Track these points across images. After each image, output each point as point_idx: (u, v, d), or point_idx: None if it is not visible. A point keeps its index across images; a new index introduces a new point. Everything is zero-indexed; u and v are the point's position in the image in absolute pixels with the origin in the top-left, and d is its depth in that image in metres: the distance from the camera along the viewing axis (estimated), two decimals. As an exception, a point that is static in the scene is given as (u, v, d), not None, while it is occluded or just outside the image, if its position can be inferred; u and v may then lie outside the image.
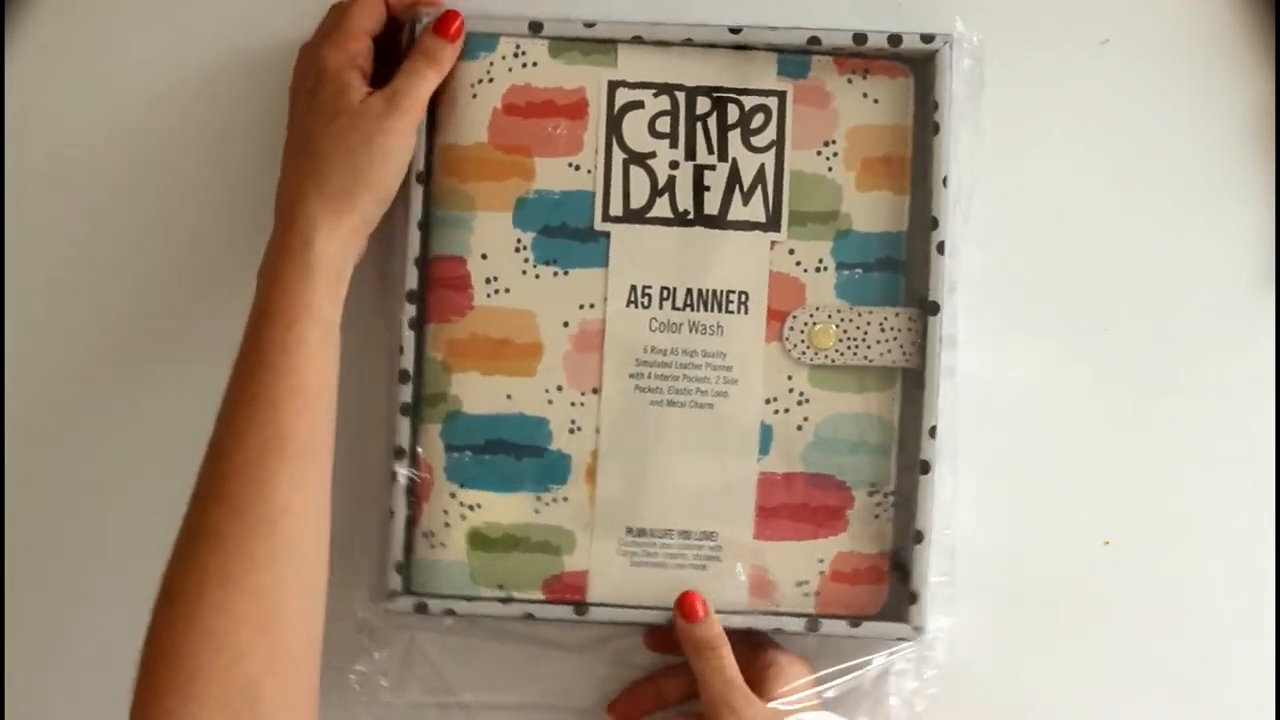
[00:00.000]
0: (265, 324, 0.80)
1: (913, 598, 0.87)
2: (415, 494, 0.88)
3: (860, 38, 0.87)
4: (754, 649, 0.88)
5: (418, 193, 0.87)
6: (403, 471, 0.88)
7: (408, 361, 0.88)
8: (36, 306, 0.93)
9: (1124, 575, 0.92)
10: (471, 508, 0.88)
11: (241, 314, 0.82)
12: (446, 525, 0.88)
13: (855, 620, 0.87)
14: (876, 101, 0.88)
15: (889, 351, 0.88)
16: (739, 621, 0.87)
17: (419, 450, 0.88)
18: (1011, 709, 0.93)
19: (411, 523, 0.88)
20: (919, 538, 0.87)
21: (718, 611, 0.87)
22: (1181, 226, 0.93)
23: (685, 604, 0.86)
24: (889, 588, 0.89)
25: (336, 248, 0.82)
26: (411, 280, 0.88)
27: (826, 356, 0.88)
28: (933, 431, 0.87)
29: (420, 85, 0.85)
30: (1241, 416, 0.93)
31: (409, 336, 0.88)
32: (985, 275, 0.91)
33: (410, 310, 0.88)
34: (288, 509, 0.76)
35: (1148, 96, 0.93)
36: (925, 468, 0.86)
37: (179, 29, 0.93)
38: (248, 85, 0.92)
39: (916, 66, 0.88)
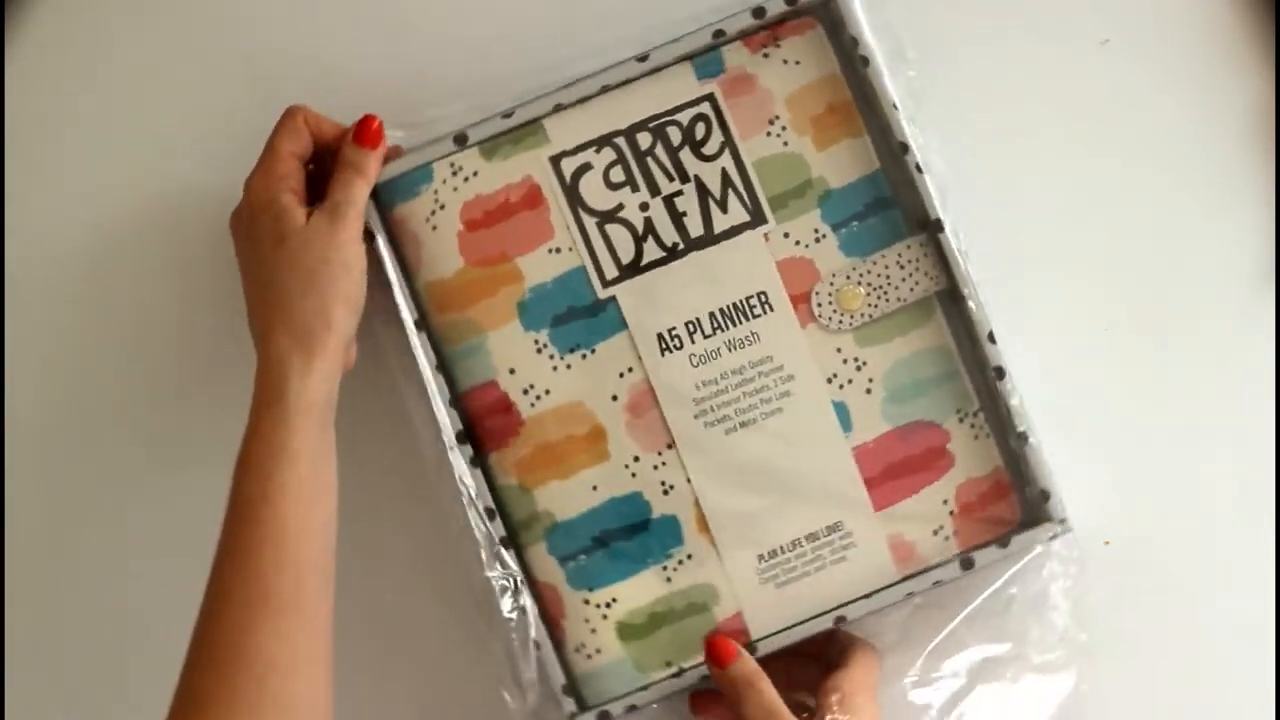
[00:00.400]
0: (243, 475, 0.79)
1: (1045, 495, 0.87)
2: (549, 616, 0.87)
3: (759, 11, 0.87)
4: (819, 668, 0.87)
5: (422, 340, 0.86)
6: (527, 600, 0.86)
7: (485, 498, 0.86)
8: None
9: (1124, 575, 0.91)
10: (608, 604, 0.87)
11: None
12: (593, 631, 0.87)
13: (1003, 540, 0.87)
14: (799, 63, 0.88)
15: (917, 284, 0.88)
16: (896, 594, 0.86)
17: (535, 575, 0.87)
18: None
19: (558, 644, 0.87)
20: (1023, 439, 0.87)
21: (874, 593, 0.87)
22: (1181, 226, 0.94)
23: (717, 648, 0.85)
24: (1017, 498, 0.88)
25: (314, 382, 0.81)
26: (455, 423, 0.86)
27: (863, 315, 0.88)
28: (991, 337, 0.87)
29: (355, 192, 0.85)
30: (1241, 416, 0.93)
31: (476, 474, 0.86)
32: (985, 277, 0.90)
33: (467, 452, 0.86)
34: (274, 666, 0.75)
35: (1148, 96, 0.93)
36: (1000, 373, 0.87)
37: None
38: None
39: (820, 14, 0.89)
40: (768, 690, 0.83)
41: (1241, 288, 0.93)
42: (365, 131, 0.86)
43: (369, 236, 0.86)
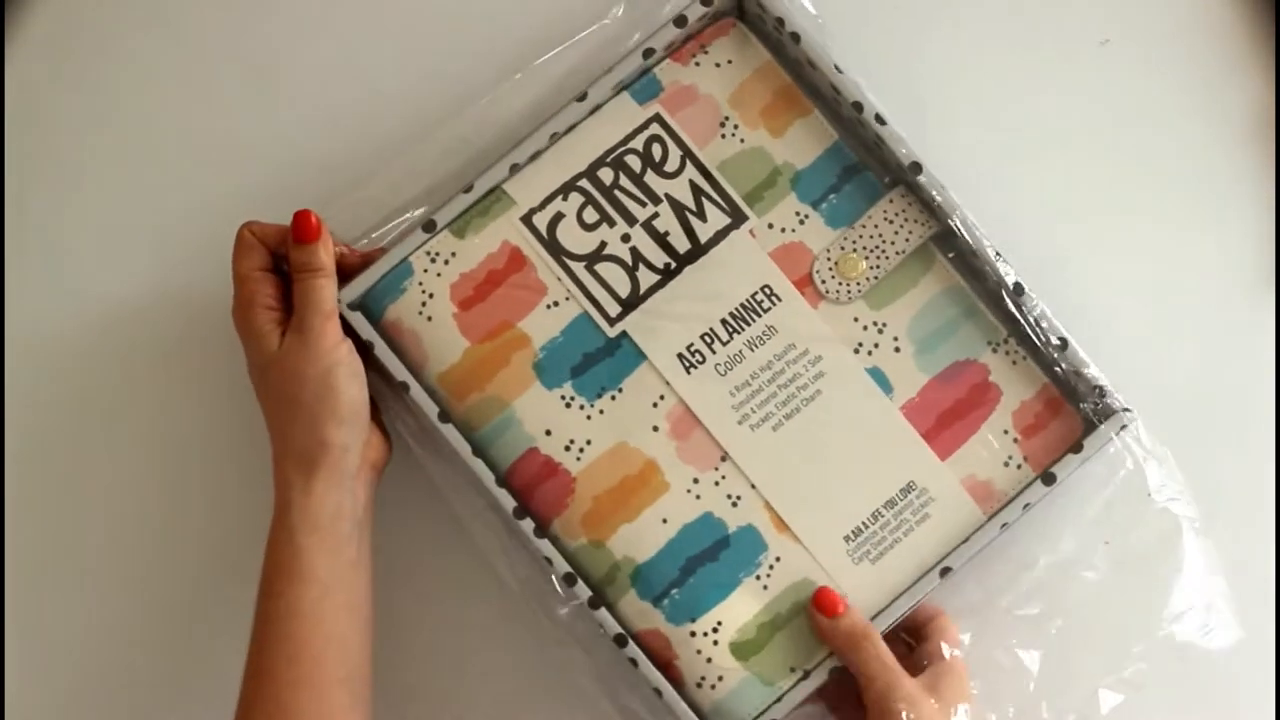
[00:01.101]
0: (260, 597, 0.80)
1: (1100, 391, 0.86)
2: (661, 661, 0.85)
3: (680, 20, 0.88)
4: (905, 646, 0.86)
5: (450, 433, 0.85)
6: (638, 654, 0.84)
7: (563, 565, 0.84)
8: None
9: (1123, 575, 0.91)
10: (715, 629, 0.85)
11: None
12: (709, 661, 0.85)
13: (1076, 446, 0.86)
14: (730, 62, 0.89)
15: (910, 234, 0.88)
16: (990, 531, 0.85)
17: (634, 625, 0.85)
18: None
19: (678, 685, 0.85)
20: (1063, 345, 0.86)
21: (964, 541, 0.85)
22: (1181, 226, 0.94)
23: (823, 600, 0.84)
24: (1073, 406, 0.88)
25: (315, 501, 0.80)
26: (507, 502, 0.85)
27: (868, 279, 0.87)
28: (999, 255, 0.86)
29: (316, 295, 0.83)
30: (1241, 415, 0.94)
31: (544, 545, 0.84)
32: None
33: (528, 526, 0.84)
34: None
35: (1148, 96, 0.94)
36: (1018, 289, 0.86)
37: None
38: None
39: (737, 14, 0.89)
40: (880, 642, 0.82)
41: (1241, 288, 0.94)
42: (302, 228, 0.84)
43: (366, 347, 0.85)
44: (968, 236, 0.86)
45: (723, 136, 0.88)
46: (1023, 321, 0.87)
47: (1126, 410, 0.86)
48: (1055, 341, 0.86)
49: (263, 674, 0.78)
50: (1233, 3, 0.94)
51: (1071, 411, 0.88)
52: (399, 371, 0.85)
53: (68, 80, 0.95)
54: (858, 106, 0.87)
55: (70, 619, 0.93)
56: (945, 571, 0.85)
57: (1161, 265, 0.94)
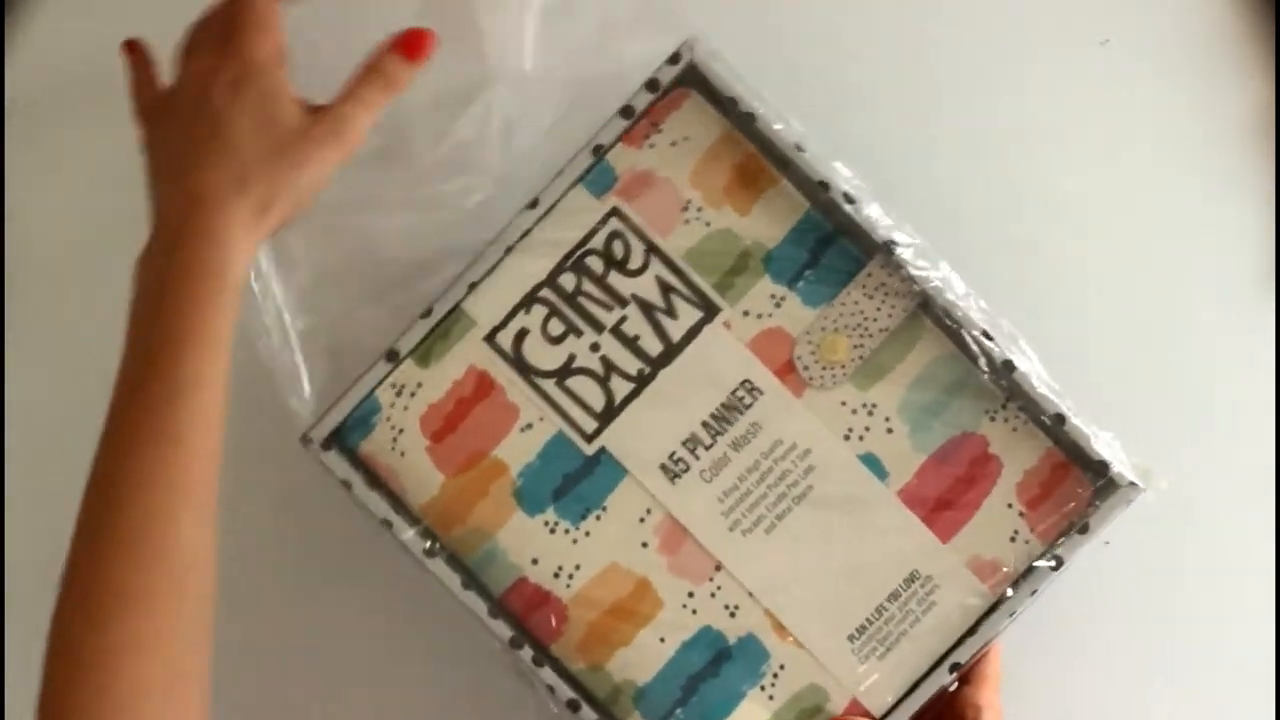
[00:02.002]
0: (174, 351, 0.72)
1: (1103, 465, 0.82)
2: (671, 779, 0.84)
3: (627, 110, 0.83)
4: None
5: (438, 566, 0.83)
6: None
7: (565, 692, 0.83)
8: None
9: (1123, 575, 0.90)
10: (724, 745, 0.84)
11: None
12: (718, 775, 0.84)
13: (1083, 525, 0.83)
14: (687, 138, 0.84)
15: (894, 307, 0.83)
16: (998, 621, 0.82)
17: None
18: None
19: (693, 803, 0.84)
20: (1060, 420, 0.82)
21: (976, 625, 0.82)
22: (1181, 226, 0.93)
23: None
24: (1080, 470, 0.84)
25: (248, 268, 0.75)
26: (503, 632, 0.83)
27: (853, 360, 0.83)
28: (988, 334, 0.82)
29: (369, 116, 0.78)
30: (1241, 416, 0.93)
31: (544, 673, 0.83)
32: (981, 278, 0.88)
33: (526, 654, 0.83)
34: (195, 563, 0.70)
35: (1148, 97, 0.93)
36: (1010, 367, 0.82)
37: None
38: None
39: (689, 82, 0.84)
40: None
41: (1241, 288, 0.93)
42: (415, 44, 0.78)
43: (345, 486, 0.83)
44: (962, 308, 0.82)
45: (686, 222, 0.84)
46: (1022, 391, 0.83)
47: (1133, 484, 0.82)
48: (1054, 415, 0.82)
49: (165, 438, 0.71)
50: (1233, 3, 0.92)
51: (1079, 476, 0.84)
52: (380, 509, 0.83)
53: (68, 80, 0.94)
54: (823, 185, 0.82)
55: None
56: (955, 667, 0.82)
57: (1161, 265, 0.93)
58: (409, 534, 0.83)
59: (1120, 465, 0.82)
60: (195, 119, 0.76)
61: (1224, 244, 0.93)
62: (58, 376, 0.94)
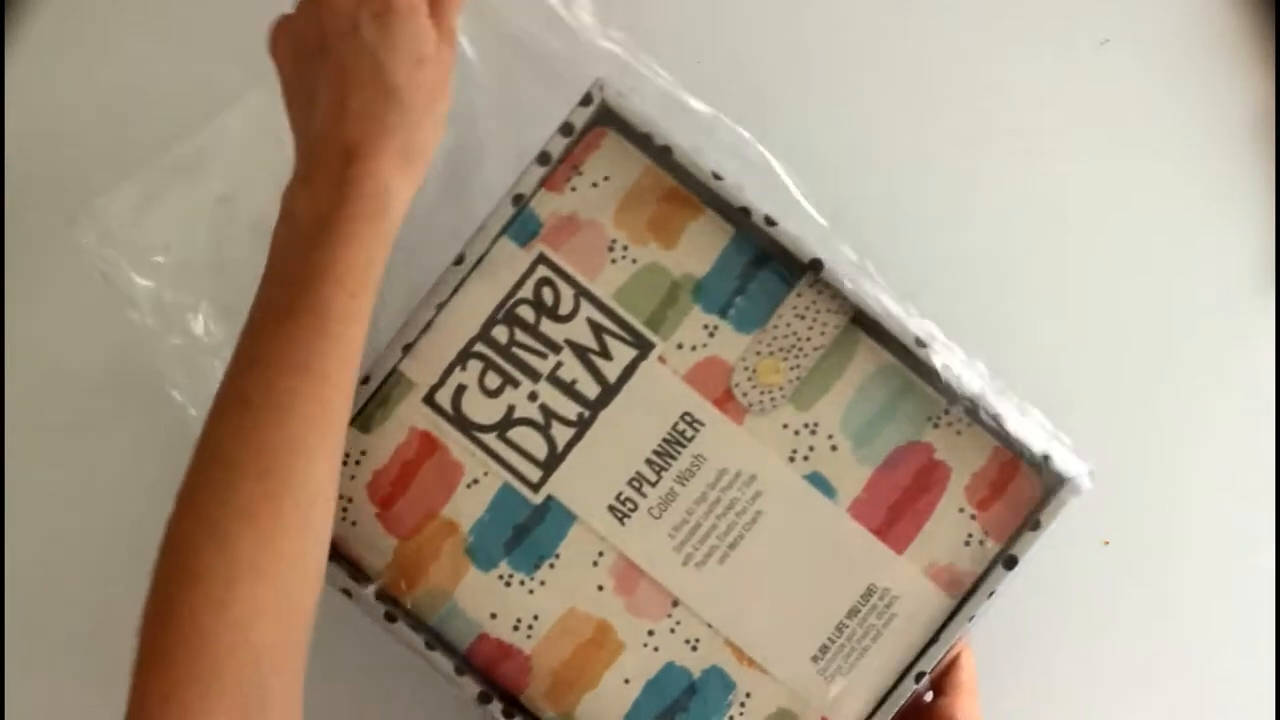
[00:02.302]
0: (330, 286, 0.73)
1: (1045, 458, 0.83)
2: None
3: (544, 157, 0.83)
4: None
5: (402, 630, 0.83)
6: None
7: (536, 745, 0.84)
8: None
9: (1124, 575, 0.91)
10: (699, 780, 0.84)
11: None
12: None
13: (1034, 522, 0.83)
14: (608, 178, 0.84)
15: (825, 325, 0.84)
16: (958, 626, 0.83)
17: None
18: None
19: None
20: (998, 420, 0.83)
21: (937, 634, 0.83)
22: (1182, 226, 0.94)
23: None
24: (1026, 468, 0.84)
25: (403, 213, 0.76)
26: (470, 689, 0.83)
27: (790, 381, 0.84)
28: (919, 342, 0.82)
29: (457, 19, 0.80)
30: (1241, 416, 0.93)
31: (517, 726, 0.84)
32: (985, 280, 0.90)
33: (496, 708, 0.83)
34: (322, 496, 0.71)
35: (1148, 97, 0.94)
36: (921, 343, 0.83)
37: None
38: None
39: (604, 120, 0.84)
40: None
41: (1241, 288, 0.93)
42: None
43: None
44: (891, 317, 0.82)
45: (613, 261, 0.84)
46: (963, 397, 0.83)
47: (1078, 476, 0.82)
48: (993, 414, 0.83)
49: (311, 371, 0.72)
50: (1233, 3, 0.93)
51: (1027, 470, 0.84)
52: (339, 580, 0.83)
53: (69, 81, 0.95)
54: (744, 211, 0.82)
55: (71, 618, 0.94)
56: (920, 676, 0.83)
57: (1160, 266, 0.94)
58: (370, 601, 0.83)
59: (1062, 456, 0.82)
60: (349, 54, 0.76)
61: (1224, 244, 0.94)
62: (58, 376, 0.95)
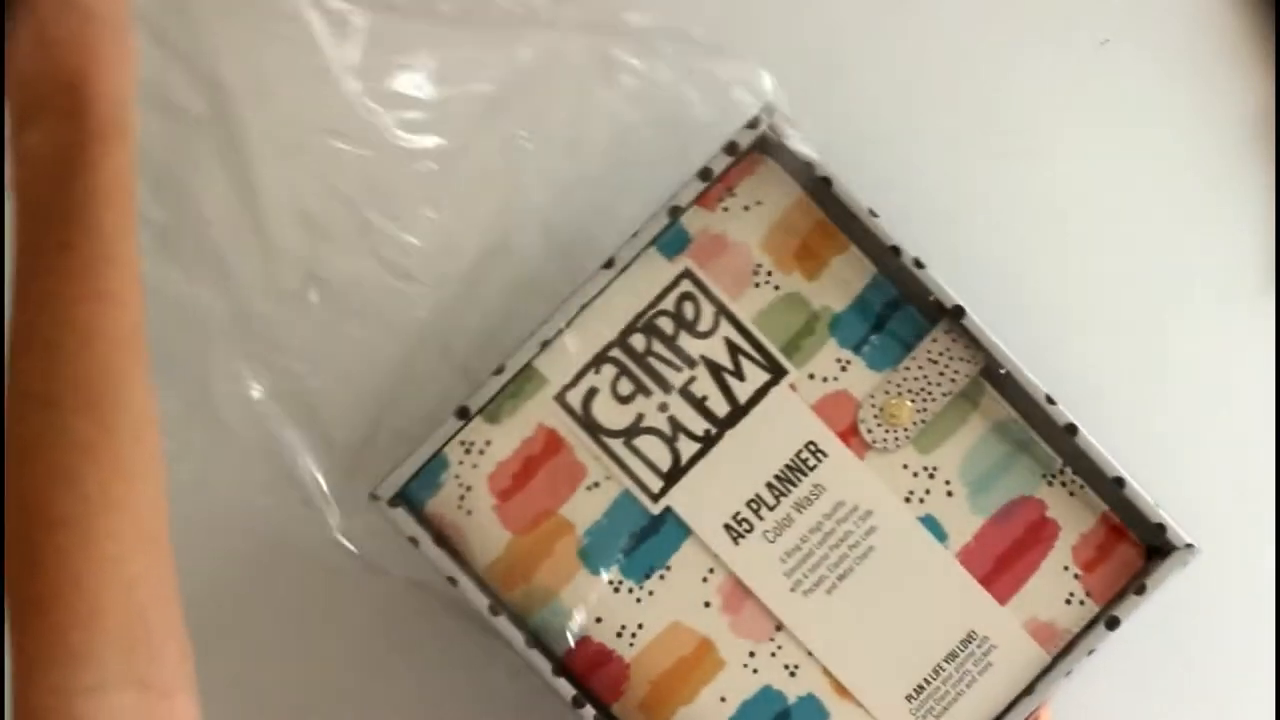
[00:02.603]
0: (96, 209, 0.70)
1: (1160, 529, 0.84)
2: (732, 840, 0.85)
3: (706, 173, 0.83)
4: None
5: (503, 624, 0.83)
6: None
7: (627, 751, 0.84)
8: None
9: None
10: (782, 807, 0.85)
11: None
12: (783, 837, 0.85)
13: (1139, 586, 0.84)
14: (760, 203, 0.85)
15: (957, 373, 0.85)
16: (1055, 678, 0.84)
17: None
18: None
19: None
20: (1120, 484, 0.84)
21: (1033, 684, 0.84)
22: (1181, 226, 0.93)
23: None
24: (1135, 532, 0.85)
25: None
26: (566, 691, 0.83)
27: (916, 424, 0.84)
28: (1050, 399, 0.83)
29: None
30: (1241, 416, 0.93)
31: (608, 731, 0.84)
32: (985, 281, 0.89)
33: (589, 713, 0.83)
34: (149, 419, 0.68)
35: (1148, 97, 0.93)
36: (1072, 430, 0.83)
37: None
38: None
39: (765, 147, 0.85)
40: None
41: (1242, 288, 0.93)
42: None
43: (413, 542, 0.83)
44: (1024, 377, 0.83)
45: (756, 285, 0.85)
46: (1078, 453, 0.84)
47: (1189, 546, 0.84)
48: (1112, 479, 0.84)
49: (107, 297, 0.68)
50: (1233, 3, 0.92)
51: (1134, 540, 0.86)
52: (446, 567, 0.83)
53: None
54: (894, 250, 0.83)
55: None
56: (1010, 728, 0.84)
57: (1160, 265, 0.93)
58: (474, 591, 0.83)
59: (1176, 530, 0.84)
60: None
61: (1224, 244, 0.93)
62: None
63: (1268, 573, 0.92)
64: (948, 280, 0.84)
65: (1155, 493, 0.86)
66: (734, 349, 0.84)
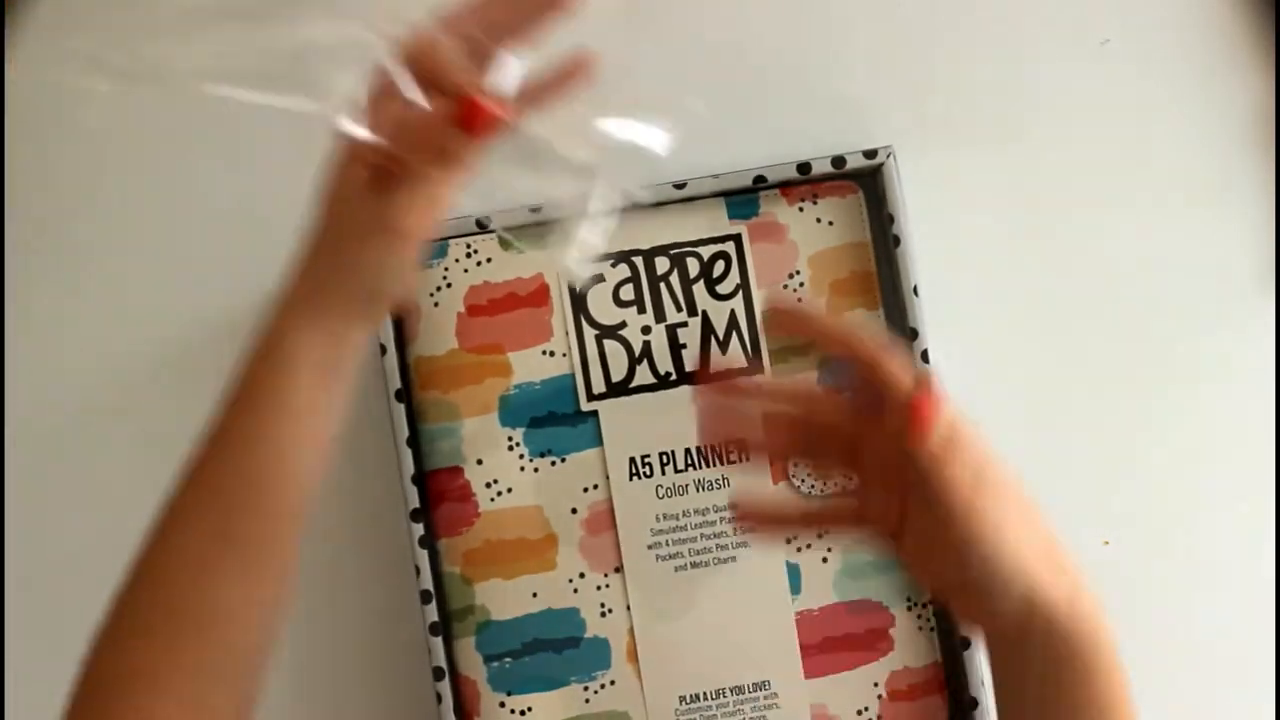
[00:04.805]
0: (225, 409, 0.72)
1: (973, 703, 0.86)
2: (464, 710, 0.87)
3: (804, 167, 0.87)
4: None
5: (399, 411, 0.86)
6: (446, 690, 0.86)
7: (426, 581, 0.86)
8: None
9: (1124, 575, 0.90)
10: (524, 712, 0.87)
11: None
12: (503, 736, 0.87)
13: (926, 741, 0.87)
14: (831, 224, 0.88)
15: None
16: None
17: (458, 667, 0.87)
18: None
19: (468, 737, 0.87)
20: (966, 644, 0.86)
21: (784, 759, 0.86)
22: (1182, 226, 0.94)
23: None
24: (946, 699, 0.88)
25: (311, 343, 0.71)
26: (413, 499, 0.86)
27: (837, 484, 0.87)
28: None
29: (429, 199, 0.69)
30: (1241, 416, 0.94)
31: (422, 555, 0.86)
32: (986, 269, 0.92)
33: (418, 529, 0.86)
34: (226, 613, 0.70)
35: (1148, 97, 0.94)
36: None
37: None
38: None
39: (863, 180, 0.89)
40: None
41: (1242, 288, 0.94)
42: (473, 115, 0.65)
43: None
44: None
45: (784, 286, 0.88)
46: None
47: (986, 732, 0.86)
48: (961, 637, 0.86)
49: (208, 488, 0.71)
50: (1233, 3, 0.94)
51: (943, 704, 0.88)
52: (383, 335, 0.86)
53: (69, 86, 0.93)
54: (913, 332, 0.87)
55: (71, 619, 0.93)
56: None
57: (1161, 265, 0.94)
58: (393, 367, 0.86)
59: (985, 716, 0.86)
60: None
61: (1224, 244, 0.94)
62: (58, 373, 0.95)
63: (1268, 572, 0.93)
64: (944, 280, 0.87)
65: (1155, 492, 0.88)
66: (733, 322, 0.88)
